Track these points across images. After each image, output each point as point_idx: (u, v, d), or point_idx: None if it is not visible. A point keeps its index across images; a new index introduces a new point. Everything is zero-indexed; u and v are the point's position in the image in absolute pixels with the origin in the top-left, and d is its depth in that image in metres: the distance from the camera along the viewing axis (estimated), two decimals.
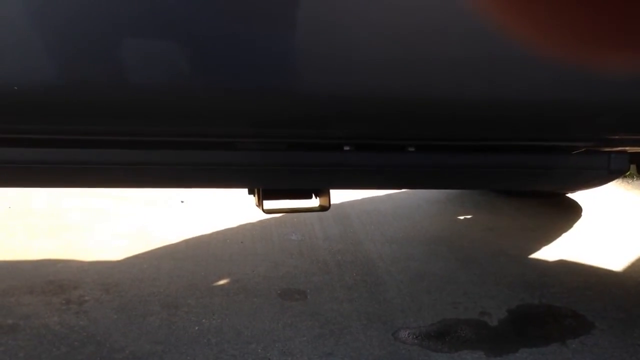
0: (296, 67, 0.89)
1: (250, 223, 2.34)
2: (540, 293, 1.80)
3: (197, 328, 1.55)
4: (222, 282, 1.84)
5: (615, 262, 2.07)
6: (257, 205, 1.27)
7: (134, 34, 0.84)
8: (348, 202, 2.62)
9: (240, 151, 0.99)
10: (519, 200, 2.73)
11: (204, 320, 1.59)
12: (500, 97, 0.89)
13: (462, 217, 2.53)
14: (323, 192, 1.25)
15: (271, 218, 2.38)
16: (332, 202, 2.54)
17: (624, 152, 1.06)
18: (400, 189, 1.08)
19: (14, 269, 1.87)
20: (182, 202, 2.54)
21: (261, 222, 2.34)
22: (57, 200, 2.50)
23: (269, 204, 1.24)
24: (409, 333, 1.55)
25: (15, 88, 0.82)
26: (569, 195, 2.81)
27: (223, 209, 2.46)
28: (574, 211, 2.64)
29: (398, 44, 0.87)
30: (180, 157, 0.97)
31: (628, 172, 2.27)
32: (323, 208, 1.26)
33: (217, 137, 0.96)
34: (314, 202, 1.33)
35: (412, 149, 0.99)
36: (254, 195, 1.30)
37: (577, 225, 2.47)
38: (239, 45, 0.86)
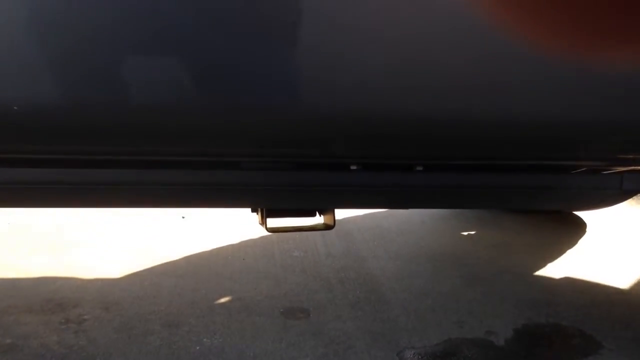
0: (303, 85, 0.87)
1: (252, 239, 2.32)
2: (547, 312, 1.78)
3: (198, 348, 1.52)
4: (223, 300, 1.81)
5: (622, 279, 2.04)
6: (260, 224, 1.25)
7: (135, 54, 0.82)
8: (350, 218, 2.60)
9: (244, 171, 0.97)
10: (524, 217, 2.71)
11: (205, 340, 1.57)
12: (512, 116, 0.88)
13: (466, 234, 2.50)
14: (327, 211, 1.23)
15: (272, 236, 2.36)
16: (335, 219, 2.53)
17: (637, 171, 1.04)
18: (408, 208, 1.06)
19: (13, 287, 1.84)
20: (183, 217, 2.52)
21: (263, 239, 2.32)
22: (58, 216, 2.48)
23: (272, 222, 1.22)
24: (414, 353, 1.53)
25: (15, 108, 0.81)
26: (574, 212, 2.79)
27: (224, 225, 2.44)
28: (578, 228, 2.62)
29: (406, 63, 0.86)
30: (182, 177, 0.95)
31: None
32: (327, 227, 1.25)
33: (220, 156, 0.95)
34: (318, 220, 1.31)
35: (420, 169, 0.97)
36: (257, 214, 1.28)
37: (583, 242, 2.45)
38: (244, 62, 0.84)
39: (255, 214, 1.31)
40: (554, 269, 2.14)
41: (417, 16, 0.84)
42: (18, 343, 1.52)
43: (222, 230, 2.39)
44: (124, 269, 1.99)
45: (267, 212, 1.18)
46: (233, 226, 2.43)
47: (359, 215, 2.64)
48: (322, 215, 1.27)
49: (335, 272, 2.03)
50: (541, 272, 2.12)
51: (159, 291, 1.84)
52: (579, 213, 2.78)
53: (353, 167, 0.97)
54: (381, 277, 2.01)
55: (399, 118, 0.88)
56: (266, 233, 2.35)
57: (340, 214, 2.56)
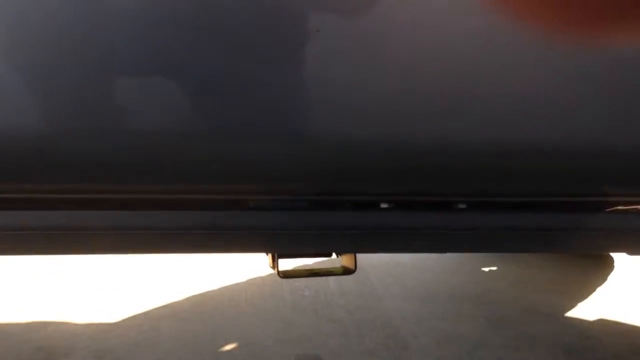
0: (321, 108, 0.75)
1: (259, 277, 2.17)
2: (584, 359, 1.62)
3: None
4: (229, 346, 1.66)
5: None
6: (271, 267, 1.11)
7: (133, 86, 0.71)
8: (362, 255, 2.44)
9: (252, 211, 0.84)
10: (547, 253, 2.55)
11: None
12: (568, 145, 0.75)
13: (487, 269, 2.35)
14: (346, 257, 1.09)
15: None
16: None
17: None
18: (447, 252, 0.93)
19: (1, 333, 1.70)
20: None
21: (271, 277, 2.17)
22: (51, 258, 2.34)
23: (285, 264, 1.07)
24: None
25: None
26: None
27: (229, 263, 2.30)
28: (605, 263, 2.46)
29: (443, 87, 0.73)
30: (183, 219, 0.82)
31: None
32: (347, 271, 1.10)
33: (226, 194, 0.81)
34: (335, 263, 1.16)
35: (462, 206, 0.84)
36: (268, 255, 1.14)
37: (611, 278, 2.29)
38: (252, 90, 0.73)
39: (265, 254, 1.17)
40: (585, 309, 1.98)
41: (460, 42, 0.73)
42: None
43: (227, 268, 2.24)
44: (120, 313, 1.84)
45: (279, 254, 1.04)
46: (239, 263, 2.28)
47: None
48: (340, 257, 1.12)
49: (349, 314, 1.88)
50: (572, 313, 1.96)
51: (159, 337, 1.69)
52: None
53: (383, 206, 0.83)
54: (399, 320, 1.85)
55: (438, 144, 0.75)
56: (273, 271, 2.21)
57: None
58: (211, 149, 0.74)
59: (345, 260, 1.10)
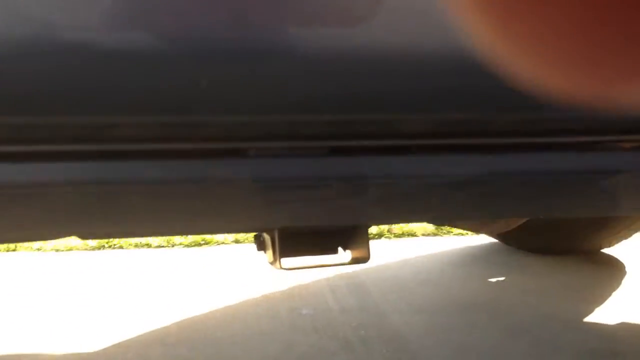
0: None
1: (252, 298, 2.00)
2: None
3: None
4: None
5: None
6: (271, 263, 0.96)
7: None
8: (361, 270, 2.29)
9: (251, 159, 0.67)
10: (553, 260, 2.42)
11: None
12: None
13: (494, 280, 2.21)
14: (358, 242, 0.94)
15: (276, 292, 2.05)
16: (335, 272, 2.23)
17: None
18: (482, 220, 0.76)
19: None
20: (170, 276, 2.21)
21: (265, 297, 2.01)
22: (20, 275, 2.15)
23: (287, 262, 0.92)
24: None
25: None
26: (604, 250, 2.52)
27: (218, 283, 2.13)
28: (616, 267, 2.34)
29: None
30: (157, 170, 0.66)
31: None
32: (359, 260, 0.95)
33: (218, 142, 0.65)
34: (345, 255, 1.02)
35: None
36: (266, 251, 0.99)
37: (625, 282, 2.17)
38: None
39: (263, 252, 1.02)
40: (604, 313, 1.84)
41: None
42: None
43: (216, 289, 2.07)
44: (102, 341, 1.66)
45: (282, 245, 0.89)
46: (228, 284, 2.12)
47: (371, 267, 2.34)
48: (348, 250, 0.98)
49: (353, 330, 1.72)
50: (591, 318, 1.82)
51: None
52: (609, 252, 2.51)
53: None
54: (409, 334, 1.70)
55: None
56: (268, 290, 2.05)
57: (347, 267, 2.26)
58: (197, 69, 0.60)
59: (356, 251, 0.95)
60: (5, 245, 2.61)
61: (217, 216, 0.75)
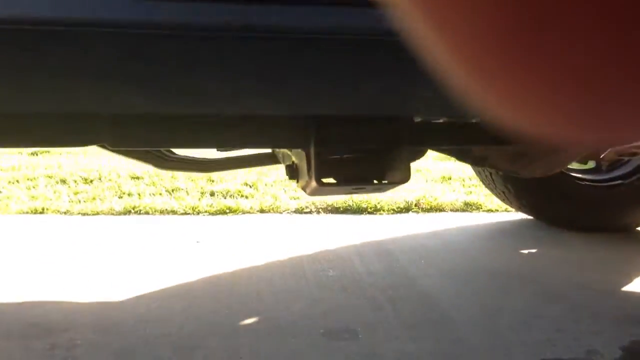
0: None
1: (278, 260, 1.97)
2: None
3: None
4: (249, 321, 1.46)
5: None
6: (303, 187, 0.92)
7: None
8: (388, 239, 2.25)
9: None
10: (586, 235, 2.34)
11: None
12: None
13: (526, 252, 2.15)
14: (397, 163, 0.89)
15: (302, 255, 2.01)
16: (362, 241, 2.18)
17: None
18: None
19: None
20: (197, 242, 2.19)
21: (291, 260, 1.98)
22: (53, 242, 2.15)
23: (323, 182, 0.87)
24: None
25: None
26: None
27: (244, 248, 2.10)
28: None
29: None
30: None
31: None
32: (398, 181, 0.89)
33: None
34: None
35: None
36: (299, 176, 0.95)
37: None
38: None
39: (295, 180, 0.98)
40: None
41: None
42: None
43: (242, 253, 2.04)
44: (126, 292, 1.64)
45: (318, 165, 0.84)
46: (254, 249, 2.09)
47: (398, 236, 2.29)
48: (385, 181, 0.92)
49: (381, 291, 1.68)
50: (629, 288, 1.75)
51: (170, 313, 1.50)
52: None
53: None
54: (439, 295, 1.65)
55: None
56: (293, 254, 2.02)
57: (375, 234, 2.22)
58: None
59: (398, 174, 0.90)
60: (33, 207, 2.63)
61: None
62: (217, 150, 1.49)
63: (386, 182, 0.86)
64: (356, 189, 0.89)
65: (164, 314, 1.49)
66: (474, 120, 0.83)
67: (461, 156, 1.12)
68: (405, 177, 0.87)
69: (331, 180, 0.88)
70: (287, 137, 0.80)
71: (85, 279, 1.74)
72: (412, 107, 0.68)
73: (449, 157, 4.62)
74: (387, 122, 0.78)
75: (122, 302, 1.58)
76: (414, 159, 0.89)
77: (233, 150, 1.44)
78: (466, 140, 0.85)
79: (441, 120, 0.79)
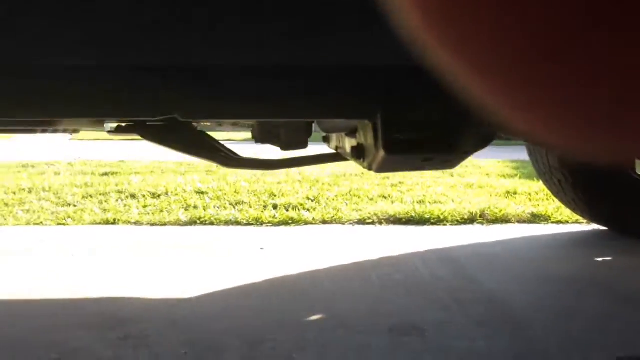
0: None
1: (341, 265, 1.97)
2: None
3: None
4: (315, 317, 1.47)
5: None
6: (370, 163, 0.91)
7: None
8: (452, 246, 2.21)
9: None
10: None
11: (295, 356, 1.21)
12: None
13: (599, 259, 2.06)
14: (467, 133, 0.86)
15: (366, 260, 2.00)
16: (426, 248, 2.14)
17: None
18: None
19: (68, 306, 1.57)
20: (261, 249, 2.22)
21: (355, 264, 1.97)
22: (125, 249, 2.23)
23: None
24: None
25: None
26: None
27: (308, 254, 2.11)
28: None
29: None
30: None
31: None
32: (467, 150, 0.86)
33: None
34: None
35: None
36: (366, 155, 0.95)
37: None
38: None
39: (361, 160, 0.98)
40: None
41: None
42: (65, 359, 1.22)
43: (306, 258, 2.05)
44: (196, 290, 1.68)
45: (386, 130, 0.83)
46: (317, 254, 2.09)
47: (462, 245, 2.25)
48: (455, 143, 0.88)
49: (447, 293, 1.65)
50: None
51: (237, 310, 1.52)
52: None
53: None
54: (507, 298, 1.61)
55: None
56: (357, 258, 2.01)
57: (438, 242, 2.18)
58: None
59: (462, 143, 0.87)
60: (105, 218, 2.74)
61: None
62: (282, 149, 1.52)
63: (455, 150, 0.85)
64: (426, 159, 0.88)
65: (230, 311, 1.51)
66: None
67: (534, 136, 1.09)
68: (475, 147, 0.85)
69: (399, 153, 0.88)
70: (355, 107, 0.81)
71: (156, 280, 1.79)
72: None
73: (512, 174, 4.52)
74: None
75: (189, 300, 1.61)
76: (485, 136, 0.87)
77: (298, 149, 1.47)
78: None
79: None
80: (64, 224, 2.67)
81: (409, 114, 0.81)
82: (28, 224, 2.69)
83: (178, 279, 1.80)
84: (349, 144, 1.19)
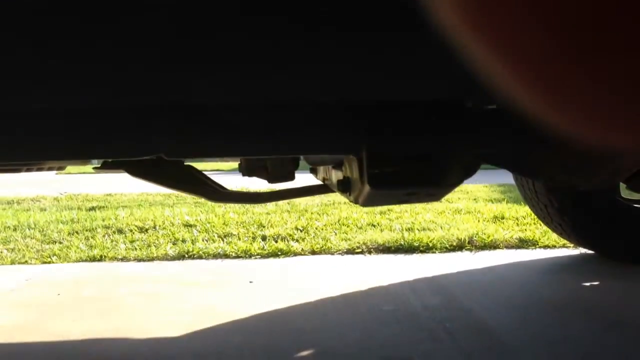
0: None
1: (331, 297, 1.96)
2: None
3: None
4: (304, 353, 1.45)
5: None
6: (356, 197, 0.92)
7: None
8: (442, 274, 2.21)
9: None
10: None
11: None
12: None
13: (587, 284, 2.07)
14: (451, 167, 0.87)
15: (355, 291, 1.99)
16: (415, 277, 2.14)
17: None
18: None
19: (52, 350, 1.54)
20: (250, 282, 2.20)
21: (344, 296, 1.96)
22: (111, 286, 2.20)
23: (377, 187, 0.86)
24: None
25: None
26: None
27: (297, 286, 2.10)
28: None
29: None
30: None
31: None
32: (449, 184, 0.86)
33: None
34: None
35: None
36: (352, 189, 0.96)
37: None
38: None
39: (347, 193, 0.99)
40: None
41: None
42: None
43: (295, 291, 2.04)
44: (183, 329, 1.66)
45: (371, 165, 0.83)
46: (306, 287, 2.08)
47: (452, 272, 2.25)
48: (438, 175, 0.88)
49: (437, 323, 1.64)
50: None
51: (225, 348, 1.50)
52: None
53: None
54: (497, 327, 1.60)
55: None
56: (347, 290, 2.00)
57: (428, 270, 2.18)
58: None
59: (448, 176, 0.87)
60: (91, 255, 2.71)
61: None
62: (269, 182, 1.52)
63: (439, 184, 0.85)
64: (410, 193, 0.89)
65: (219, 349, 1.49)
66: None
67: (515, 165, 1.10)
68: (458, 180, 0.86)
69: (383, 187, 0.88)
70: (340, 142, 0.81)
71: (143, 316, 1.77)
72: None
73: (499, 198, 4.55)
74: (439, 114, 0.78)
75: (177, 338, 1.59)
76: (468, 168, 0.88)
77: (285, 181, 1.47)
78: (527, 141, 0.83)
79: (493, 108, 0.78)
80: (49, 262, 2.64)
81: (393, 148, 0.82)
82: (13, 262, 2.65)
83: (165, 315, 1.78)
84: (335, 176, 1.20)
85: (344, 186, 0.99)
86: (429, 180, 0.83)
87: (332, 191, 1.47)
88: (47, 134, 0.85)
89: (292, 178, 1.51)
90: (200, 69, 0.69)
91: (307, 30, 0.66)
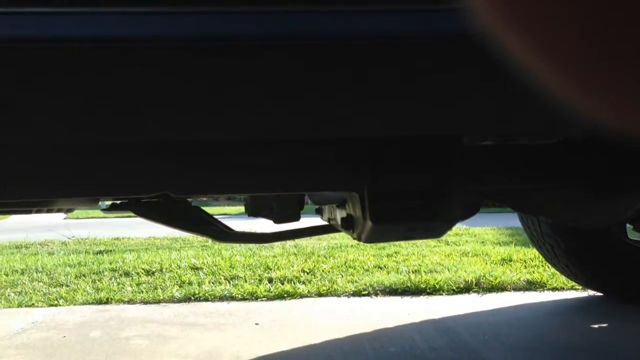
0: None
1: (337, 339, 1.95)
2: None
3: None
4: None
5: None
6: (359, 234, 0.94)
7: None
8: (449, 316, 2.19)
9: None
10: None
11: None
12: None
13: (595, 326, 2.04)
14: (452, 203, 0.89)
15: (361, 333, 1.98)
16: (422, 319, 2.13)
17: None
18: None
19: None
20: (256, 324, 2.19)
21: (350, 338, 1.95)
22: (117, 328, 2.19)
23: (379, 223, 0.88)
24: None
25: None
26: None
27: (303, 329, 2.08)
28: None
29: None
30: None
31: None
32: (450, 219, 0.88)
33: None
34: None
35: None
36: (354, 227, 0.97)
37: None
38: None
39: (350, 230, 1.00)
40: None
41: None
42: None
43: (300, 333, 2.03)
44: None
45: (373, 201, 0.85)
46: (313, 329, 2.07)
47: (460, 314, 2.23)
48: (441, 211, 0.90)
49: None
50: None
51: None
52: None
53: None
54: None
55: None
56: (352, 332, 1.99)
57: (434, 312, 2.17)
58: None
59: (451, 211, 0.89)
60: (97, 297, 2.71)
61: None
62: (275, 222, 1.54)
63: (438, 219, 0.87)
64: (411, 229, 0.90)
65: None
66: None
67: (517, 203, 1.11)
68: (458, 216, 0.88)
69: (386, 222, 0.90)
70: (341, 179, 0.83)
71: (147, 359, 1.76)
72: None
73: (507, 241, 4.53)
74: (439, 152, 0.80)
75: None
76: (468, 204, 0.89)
77: (291, 221, 1.49)
78: (529, 177, 0.84)
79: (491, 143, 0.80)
80: (55, 305, 2.64)
81: (394, 185, 0.84)
82: (19, 305, 2.66)
83: (171, 357, 1.77)
84: (339, 215, 1.22)
85: (347, 223, 1.01)
86: (429, 215, 0.85)
87: (337, 230, 1.49)
88: (51, 171, 0.87)
89: (297, 218, 1.53)
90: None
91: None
